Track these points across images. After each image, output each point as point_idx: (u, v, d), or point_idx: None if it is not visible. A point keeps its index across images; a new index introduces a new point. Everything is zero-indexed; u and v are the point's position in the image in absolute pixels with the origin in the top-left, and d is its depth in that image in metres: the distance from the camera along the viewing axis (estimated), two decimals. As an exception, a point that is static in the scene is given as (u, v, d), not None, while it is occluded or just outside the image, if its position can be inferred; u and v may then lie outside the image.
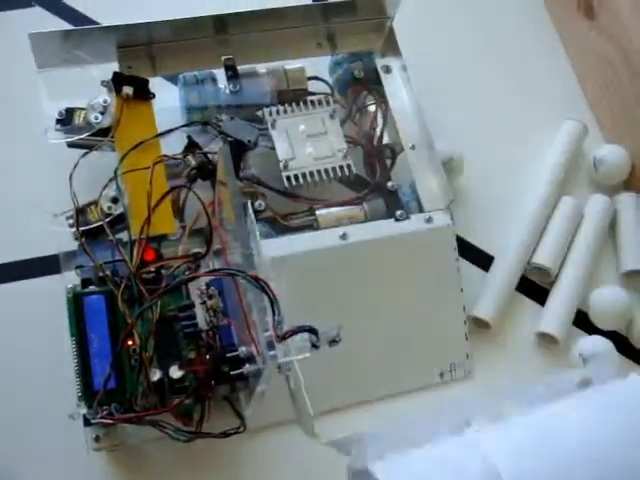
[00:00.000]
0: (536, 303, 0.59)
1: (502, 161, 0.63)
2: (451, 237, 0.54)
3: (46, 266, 0.54)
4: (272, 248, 0.50)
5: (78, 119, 0.52)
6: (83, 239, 0.49)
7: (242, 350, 0.42)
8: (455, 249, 0.54)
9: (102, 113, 0.52)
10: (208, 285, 0.48)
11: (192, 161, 0.51)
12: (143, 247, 0.47)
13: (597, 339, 0.56)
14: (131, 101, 0.53)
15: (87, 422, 0.46)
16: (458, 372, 0.54)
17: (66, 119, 0.52)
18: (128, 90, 0.52)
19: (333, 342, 0.35)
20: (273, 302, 0.35)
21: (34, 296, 0.54)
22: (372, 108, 0.58)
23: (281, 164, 0.53)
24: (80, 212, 0.50)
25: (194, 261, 0.49)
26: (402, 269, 0.53)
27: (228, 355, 0.42)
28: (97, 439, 0.47)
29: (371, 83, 0.58)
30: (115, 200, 0.50)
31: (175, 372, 0.44)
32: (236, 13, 0.55)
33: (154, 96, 0.53)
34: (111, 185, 0.50)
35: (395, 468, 0.40)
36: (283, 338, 0.34)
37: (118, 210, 0.50)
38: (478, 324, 0.56)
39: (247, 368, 0.41)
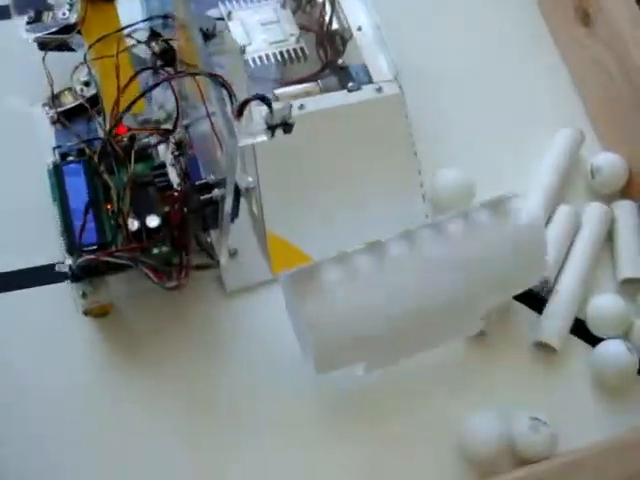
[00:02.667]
0: (534, 312, 0.58)
1: (498, 168, 0.62)
2: (401, 105, 0.58)
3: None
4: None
5: (47, 18, 0.56)
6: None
7: (210, 177, 0.46)
8: (406, 116, 0.58)
9: (69, 10, 0.56)
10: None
11: (156, 47, 0.55)
12: (117, 119, 0.51)
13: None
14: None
15: (75, 278, 0.49)
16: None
17: (35, 19, 0.56)
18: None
19: (287, 126, 0.38)
20: (231, 95, 0.39)
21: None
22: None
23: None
24: (55, 98, 0.54)
25: (163, 134, 0.53)
26: (356, 138, 0.57)
27: (197, 183, 0.46)
28: (84, 295, 0.50)
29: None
30: (87, 84, 0.54)
31: (152, 221, 0.48)
32: None
33: (116, -5, 0.58)
34: (81, 70, 0.54)
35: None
36: (240, 113, 0.38)
37: (90, 92, 0.54)
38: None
39: (215, 192, 0.45)
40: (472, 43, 0.69)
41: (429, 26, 0.69)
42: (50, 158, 0.53)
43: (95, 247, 0.48)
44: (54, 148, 0.53)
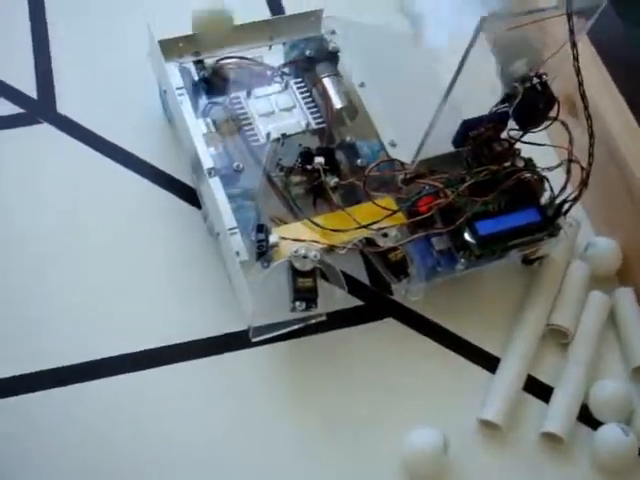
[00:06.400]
0: (541, 401, 0.58)
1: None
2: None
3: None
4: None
5: (305, 283, 0.51)
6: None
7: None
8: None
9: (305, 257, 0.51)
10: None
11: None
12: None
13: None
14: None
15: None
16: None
17: (308, 300, 0.51)
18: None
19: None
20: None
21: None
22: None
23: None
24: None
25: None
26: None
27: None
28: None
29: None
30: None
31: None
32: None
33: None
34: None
35: None
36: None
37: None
38: (488, 426, 0.56)
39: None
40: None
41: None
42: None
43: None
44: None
